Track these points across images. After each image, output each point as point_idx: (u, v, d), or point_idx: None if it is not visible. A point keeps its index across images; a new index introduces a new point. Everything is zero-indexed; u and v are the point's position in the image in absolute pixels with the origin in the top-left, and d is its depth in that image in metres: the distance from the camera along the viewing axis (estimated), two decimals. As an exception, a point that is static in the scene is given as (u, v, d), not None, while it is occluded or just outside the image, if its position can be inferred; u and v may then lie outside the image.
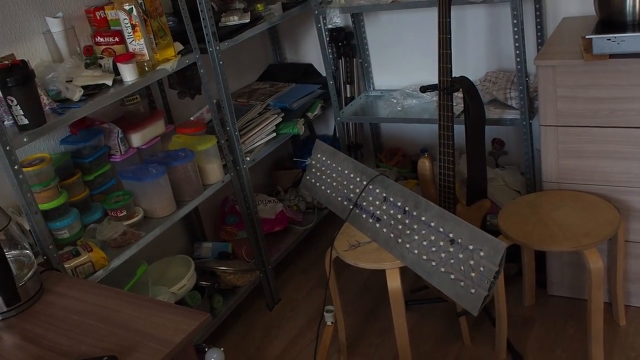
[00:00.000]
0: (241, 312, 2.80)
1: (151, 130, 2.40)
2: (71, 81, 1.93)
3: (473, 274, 1.77)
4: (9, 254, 1.60)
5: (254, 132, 2.70)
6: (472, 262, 1.78)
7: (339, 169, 2.31)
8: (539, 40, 2.63)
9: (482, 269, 1.76)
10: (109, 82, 2.01)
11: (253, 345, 2.62)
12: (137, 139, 2.35)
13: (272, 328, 2.70)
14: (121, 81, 2.06)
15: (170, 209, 2.28)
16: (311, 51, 3.28)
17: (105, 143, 2.28)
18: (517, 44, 2.36)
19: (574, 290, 2.46)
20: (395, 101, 2.92)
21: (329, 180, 2.34)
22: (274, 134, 2.79)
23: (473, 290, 1.77)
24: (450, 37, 2.14)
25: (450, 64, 2.15)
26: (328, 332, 2.29)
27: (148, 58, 2.12)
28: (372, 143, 3.29)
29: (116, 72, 2.08)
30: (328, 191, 2.33)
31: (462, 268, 1.81)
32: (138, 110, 2.39)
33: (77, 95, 1.89)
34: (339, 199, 2.28)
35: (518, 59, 2.39)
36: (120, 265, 2.08)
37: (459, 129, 2.30)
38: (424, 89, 2.24)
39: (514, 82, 2.59)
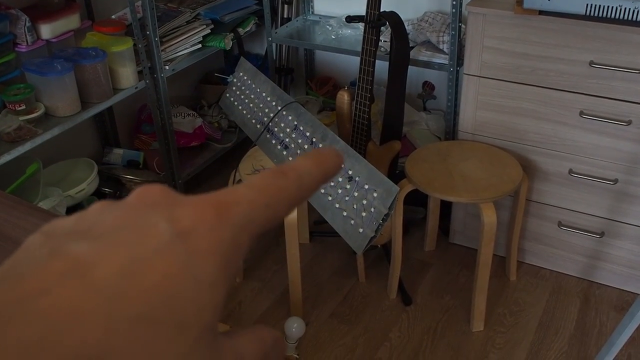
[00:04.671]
0: (146, 223, 2.75)
1: (64, 24, 2.26)
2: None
3: (364, 214, 1.76)
4: None
5: (178, 40, 2.59)
6: (364, 202, 1.77)
7: (258, 90, 2.24)
8: (482, -14, 2.56)
9: (372, 209, 1.74)
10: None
11: (152, 257, 2.58)
12: (46, 30, 2.21)
13: (175, 243, 2.67)
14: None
15: (74, 109, 2.18)
16: (255, -36, 3.13)
17: (11, 31, 2.14)
18: (454, -14, 2.30)
19: (473, 241, 2.50)
20: (330, 29, 2.83)
21: (247, 100, 2.27)
22: (200, 46, 2.69)
23: (361, 230, 1.76)
24: (383, -31, 2.05)
25: (380, -4, 2.07)
26: (225, 253, 2.27)
27: (61, -56, 1.97)
28: (305, 69, 3.21)
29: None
30: (244, 112, 2.27)
31: (354, 206, 1.79)
32: (52, 0, 2.24)
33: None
34: (253, 121, 2.22)
35: (454, 2, 2.32)
36: (11, 162, 1.99)
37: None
38: (350, 19, 2.17)
39: (449, 25, 2.53)
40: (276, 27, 2.91)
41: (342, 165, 0.32)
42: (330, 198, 1.87)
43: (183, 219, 0.25)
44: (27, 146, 2.03)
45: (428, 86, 2.88)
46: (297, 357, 2.08)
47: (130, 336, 0.22)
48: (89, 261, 0.23)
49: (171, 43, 2.55)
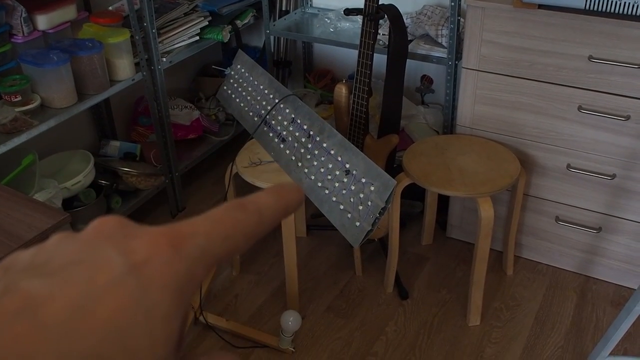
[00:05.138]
0: (143, 215, 2.74)
1: (60, 14, 2.24)
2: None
3: (361, 207, 1.76)
4: None
5: (176, 32, 2.57)
6: (361, 196, 1.76)
7: (255, 83, 2.23)
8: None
9: (369, 203, 1.74)
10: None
11: (148, 250, 2.57)
12: (43, 21, 2.20)
13: (172, 235, 2.66)
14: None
15: (70, 100, 2.17)
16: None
17: (7, 21, 2.13)
18: (453, -21, 2.28)
19: (470, 236, 2.50)
20: (328, 21, 2.82)
21: (244, 93, 2.26)
22: (197, 38, 2.67)
23: (358, 224, 1.75)
24: (382, -39, 2.04)
25: (379, -11, 2.06)
26: (222, 246, 2.26)
27: None
28: (303, 62, 3.19)
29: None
30: (242, 104, 2.26)
31: (351, 200, 1.79)
32: (48, -9, 2.23)
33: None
34: (251, 114, 2.21)
35: (453, -4, 2.31)
36: (6, 153, 1.98)
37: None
38: (348, 11, 2.16)
39: (448, 19, 2.52)
40: (274, 20, 2.90)
41: (303, 201, 0.32)
42: (327, 191, 1.86)
43: (137, 252, 0.26)
44: (22, 137, 2.02)
45: (426, 80, 2.87)
46: (293, 350, 2.07)
47: None
48: (41, 299, 0.23)
49: (169, 35, 2.54)
